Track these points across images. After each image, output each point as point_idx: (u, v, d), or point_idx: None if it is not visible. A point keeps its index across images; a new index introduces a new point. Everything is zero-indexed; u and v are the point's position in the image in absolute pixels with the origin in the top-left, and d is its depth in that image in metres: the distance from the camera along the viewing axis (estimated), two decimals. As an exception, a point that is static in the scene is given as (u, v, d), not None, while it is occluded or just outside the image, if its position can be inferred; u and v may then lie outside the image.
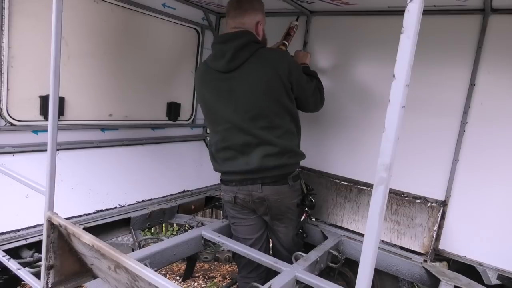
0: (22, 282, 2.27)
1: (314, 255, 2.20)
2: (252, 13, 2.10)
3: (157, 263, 2.04)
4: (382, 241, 2.49)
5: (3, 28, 2.13)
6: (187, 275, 3.35)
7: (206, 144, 3.62)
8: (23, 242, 1.98)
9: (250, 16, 2.09)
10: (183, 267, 3.97)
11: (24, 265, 1.84)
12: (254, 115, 2.05)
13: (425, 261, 2.31)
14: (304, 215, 2.33)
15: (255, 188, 2.14)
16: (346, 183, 2.68)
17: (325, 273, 2.51)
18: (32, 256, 1.98)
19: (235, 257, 2.39)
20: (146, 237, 2.55)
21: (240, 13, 2.08)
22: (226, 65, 2.02)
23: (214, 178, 3.41)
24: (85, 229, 1.85)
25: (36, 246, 2.00)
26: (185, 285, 4.33)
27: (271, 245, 2.56)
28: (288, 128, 2.14)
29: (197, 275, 4.53)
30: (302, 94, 2.17)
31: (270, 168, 2.11)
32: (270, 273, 2.07)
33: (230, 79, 2.04)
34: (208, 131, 2.51)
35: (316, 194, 2.51)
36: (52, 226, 1.63)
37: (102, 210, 2.41)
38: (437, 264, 2.29)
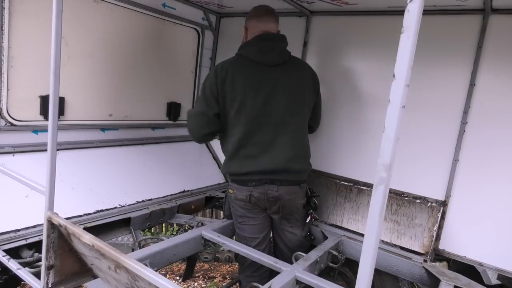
0: (22, 282, 2.26)
1: (314, 255, 2.20)
2: (277, 22, 2.33)
3: (157, 263, 2.04)
4: (382, 241, 2.49)
5: (3, 28, 2.13)
6: (187, 275, 3.34)
7: (206, 144, 3.62)
8: (23, 242, 1.97)
9: (275, 24, 2.32)
10: (183, 267, 3.97)
11: (24, 265, 1.84)
12: (292, 109, 2.22)
13: (425, 261, 2.31)
14: (309, 217, 2.41)
15: (271, 188, 2.21)
16: (346, 183, 2.68)
17: (325, 273, 2.51)
18: (32, 256, 1.98)
19: (239, 256, 2.40)
20: (146, 237, 2.55)
21: (272, 20, 2.29)
22: (276, 59, 2.20)
23: (214, 178, 3.43)
24: (85, 229, 1.85)
25: (36, 246, 2.00)
26: (185, 285, 4.33)
27: (273, 245, 2.57)
28: (307, 131, 2.38)
29: (197, 275, 4.53)
30: (318, 104, 2.47)
31: (293, 171, 2.21)
32: (273, 272, 2.08)
33: (276, 72, 2.19)
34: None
35: (319, 196, 2.53)
36: (52, 226, 1.63)
37: (102, 210, 2.40)
38: (437, 264, 2.29)
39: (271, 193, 2.22)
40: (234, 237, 2.62)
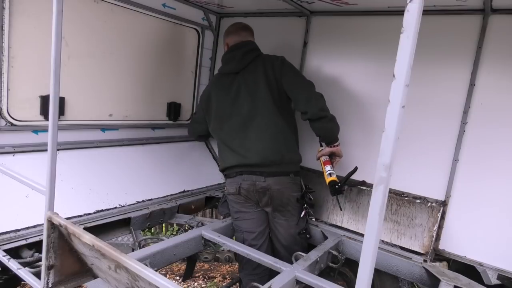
0: (22, 282, 2.27)
1: (314, 255, 2.20)
2: (249, 33, 2.61)
3: (157, 263, 2.04)
4: (382, 241, 2.49)
5: (3, 28, 2.13)
6: (187, 275, 3.35)
7: (206, 144, 3.62)
8: (23, 242, 1.97)
9: (247, 34, 2.59)
10: (183, 267, 3.97)
11: (24, 265, 1.84)
12: (257, 106, 2.35)
13: (425, 261, 2.31)
14: (303, 212, 2.44)
15: (259, 179, 2.34)
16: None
17: (325, 273, 2.51)
18: (32, 256, 1.98)
19: (237, 254, 2.41)
20: (146, 237, 2.55)
21: (242, 31, 2.58)
22: (236, 65, 2.45)
23: (214, 178, 3.43)
24: (85, 229, 1.85)
25: (36, 246, 2.00)
26: (185, 285, 4.33)
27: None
28: (284, 124, 2.39)
29: (197, 275, 4.53)
30: (290, 88, 2.37)
31: (267, 164, 2.33)
32: (273, 271, 2.09)
33: (240, 77, 2.44)
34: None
35: (314, 192, 2.53)
36: (53, 226, 1.63)
37: (102, 210, 2.40)
38: (437, 264, 2.29)
39: (259, 184, 2.34)
40: (234, 237, 2.62)
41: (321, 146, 2.54)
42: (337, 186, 2.25)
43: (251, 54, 2.46)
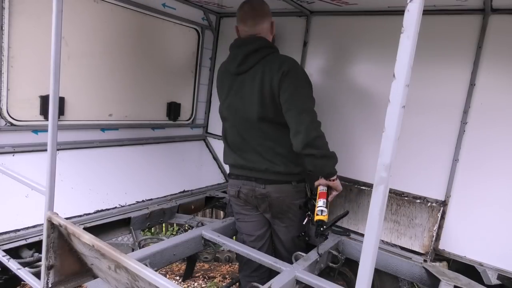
0: (22, 282, 2.27)
1: (314, 255, 2.20)
2: (266, 18, 2.21)
3: (157, 263, 2.04)
4: (382, 241, 2.49)
5: (3, 28, 2.13)
6: (187, 275, 3.35)
7: (206, 144, 3.63)
8: (23, 242, 1.97)
9: (264, 21, 2.20)
10: (183, 267, 3.98)
11: (24, 265, 1.84)
12: (250, 117, 2.19)
13: (425, 261, 2.31)
14: (306, 219, 2.33)
15: (258, 186, 2.26)
16: (346, 183, 2.68)
17: (325, 273, 2.51)
18: (32, 256, 1.98)
19: (238, 255, 2.40)
20: (146, 237, 2.55)
21: (250, 18, 2.18)
22: (236, 69, 2.20)
23: (214, 178, 3.43)
24: (85, 229, 1.85)
25: (36, 246, 2.00)
26: (185, 285, 4.33)
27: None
28: (279, 141, 2.18)
29: (197, 275, 4.53)
30: (286, 109, 2.03)
31: (264, 172, 2.23)
32: (272, 272, 2.08)
33: (238, 81, 2.21)
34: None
35: None
36: (52, 226, 1.63)
37: (102, 210, 2.40)
38: (437, 264, 2.29)
39: (259, 190, 2.27)
40: (234, 237, 2.62)
41: None
42: (322, 229, 2.02)
43: (253, 57, 2.11)
